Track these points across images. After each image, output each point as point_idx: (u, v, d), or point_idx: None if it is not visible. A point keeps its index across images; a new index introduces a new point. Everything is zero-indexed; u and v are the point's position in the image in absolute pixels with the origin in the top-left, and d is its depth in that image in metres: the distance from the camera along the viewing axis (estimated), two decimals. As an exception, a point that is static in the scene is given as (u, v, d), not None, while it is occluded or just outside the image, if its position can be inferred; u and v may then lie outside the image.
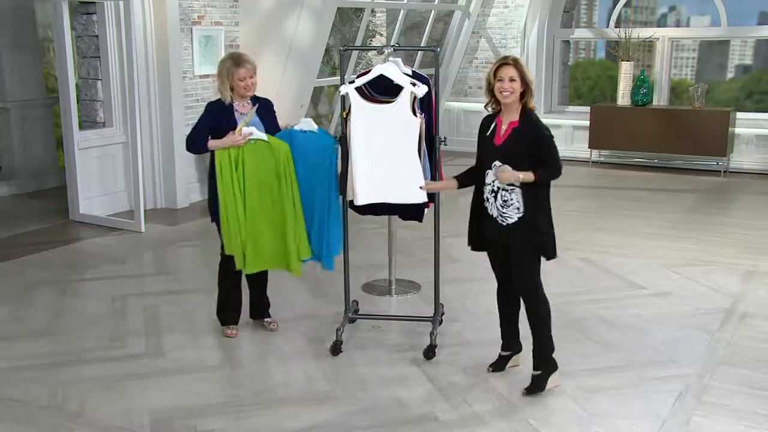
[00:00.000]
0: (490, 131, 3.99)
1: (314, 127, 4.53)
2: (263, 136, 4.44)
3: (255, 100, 4.62)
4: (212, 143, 4.43)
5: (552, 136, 3.96)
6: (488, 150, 3.97)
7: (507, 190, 3.90)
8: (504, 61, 3.91)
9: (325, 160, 4.48)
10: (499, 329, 4.32)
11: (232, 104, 4.55)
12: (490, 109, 4.04)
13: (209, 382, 4.22)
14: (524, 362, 4.27)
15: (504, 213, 3.93)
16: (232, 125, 4.45)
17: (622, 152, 10.64)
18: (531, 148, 3.87)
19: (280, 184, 4.45)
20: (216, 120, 4.51)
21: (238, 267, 4.56)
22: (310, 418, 3.82)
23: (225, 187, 4.41)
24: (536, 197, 3.91)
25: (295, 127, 4.55)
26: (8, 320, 5.12)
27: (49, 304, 5.40)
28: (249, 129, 4.41)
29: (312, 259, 4.63)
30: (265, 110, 4.60)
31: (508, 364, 4.30)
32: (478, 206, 4.08)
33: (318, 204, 4.52)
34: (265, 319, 4.91)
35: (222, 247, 4.64)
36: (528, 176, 3.84)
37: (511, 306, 4.23)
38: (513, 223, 3.92)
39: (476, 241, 4.17)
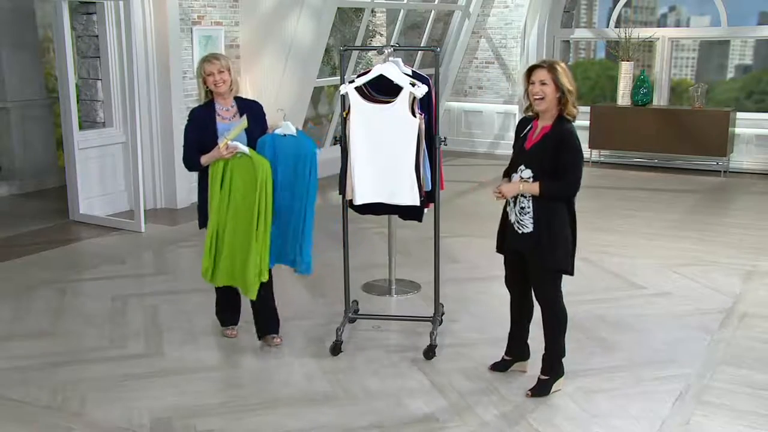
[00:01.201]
0: (524, 133, 3.92)
1: (293, 130, 4.42)
2: (245, 150, 4.31)
3: (241, 103, 4.54)
4: (203, 159, 4.37)
5: (580, 151, 3.78)
6: (518, 153, 3.91)
7: (525, 197, 3.82)
8: (538, 64, 3.80)
9: (305, 168, 4.37)
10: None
11: (213, 106, 4.47)
12: (531, 112, 3.94)
13: (209, 382, 4.23)
14: (531, 369, 4.23)
15: (521, 220, 3.87)
16: (212, 127, 4.41)
17: (622, 152, 10.64)
18: (555, 153, 3.74)
19: (254, 203, 4.29)
20: (198, 125, 4.45)
21: (203, 276, 4.50)
22: (310, 418, 3.82)
23: (213, 200, 4.37)
24: (547, 209, 3.80)
25: (277, 132, 4.44)
26: (8, 320, 5.12)
27: (49, 304, 5.40)
28: (234, 143, 4.28)
29: (286, 263, 4.53)
30: (250, 115, 4.45)
31: (512, 368, 4.28)
32: (503, 210, 4.04)
33: (296, 211, 4.41)
34: (271, 335, 4.68)
35: None
36: (531, 188, 3.76)
37: (525, 318, 4.20)
38: (528, 233, 3.85)
39: (500, 245, 4.11)
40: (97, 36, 7.93)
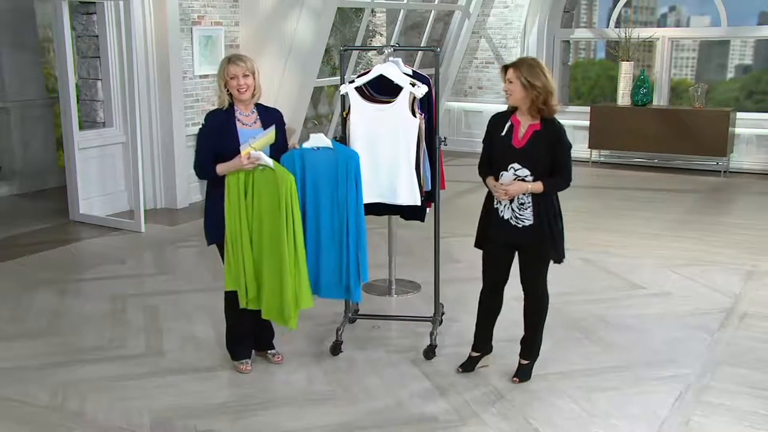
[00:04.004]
0: (505, 131, 3.98)
1: (327, 142, 4.08)
2: (269, 162, 3.92)
3: (261, 109, 4.18)
4: (220, 168, 3.98)
5: (570, 146, 3.97)
6: (506, 151, 3.95)
7: (525, 194, 3.92)
8: (508, 63, 3.95)
9: (350, 180, 4.07)
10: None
11: (233, 110, 4.10)
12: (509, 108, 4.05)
13: (209, 382, 4.22)
14: (492, 362, 4.33)
15: (520, 215, 3.95)
16: (232, 133, 4.03)
17: (622, 152, 10.64)
18: (551, 151, 3.89)
19: (282, 221, 3.94)
20: (215, 131, 4.07)
21: (242, 304, 4.12)
22: (310, 418, 3.82)
23: (231, 215, 3.99)
24: (545, 202, 3.94)
25: (305, 145, 4.09)
26: (8, 320, 5.12)
27: (49, 304, 5.40)
28: (257, 153, 3.89)
29: (338, 296, 4.27)
30: (272, 125, 4.10)
31: (478, 365, 4.31)
32: (489, 207, 4.08)
33: (345, 231, 4.10)
34: (269, 351, 4.48)
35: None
36: (537, 187, 3.88)
37: (495, 310, 4.27)
38: (529, 226, 3.94)
39: (482, 242, 4.17)
40: (97, 36, 7.93)
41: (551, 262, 4.06)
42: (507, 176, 3.93)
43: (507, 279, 4.16)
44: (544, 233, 3.94)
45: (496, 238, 4.06)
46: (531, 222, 3.94)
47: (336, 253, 4.16)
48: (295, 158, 4.09)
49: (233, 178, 3.98)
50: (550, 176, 3.91)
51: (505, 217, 3.98)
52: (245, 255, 4.04)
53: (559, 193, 4.03)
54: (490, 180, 4.01)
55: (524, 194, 3.91)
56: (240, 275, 4.07)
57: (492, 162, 4.02)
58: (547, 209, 3.94)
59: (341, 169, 4.09)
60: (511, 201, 3.95)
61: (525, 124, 3.93)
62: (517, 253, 4.08)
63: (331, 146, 4.10)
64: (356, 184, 4.10)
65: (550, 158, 3.89)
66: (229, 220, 4.02)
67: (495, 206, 4.03)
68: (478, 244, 4.20)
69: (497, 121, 4.05)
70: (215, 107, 4.21)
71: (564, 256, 4.08)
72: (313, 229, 4.14)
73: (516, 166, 3.91)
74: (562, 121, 4.02)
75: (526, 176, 3.90)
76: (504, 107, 4.11)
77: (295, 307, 4.04)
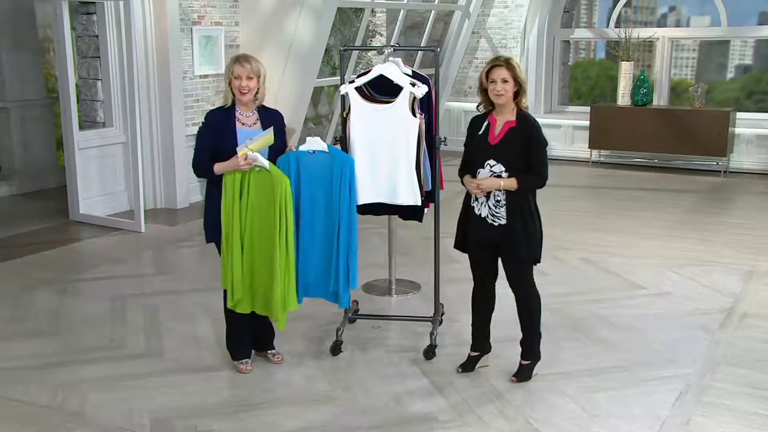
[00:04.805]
0: (482, 130, 4.00)
1: (323, 145, 4.08)
2: (265, 163, 3.95)
3: (262, 111, 4.19)
4: (218, 167, 4.00)
5: (546, 143, 3.99)
6: (482, 148, 3.98)
7: (500, 190, 3.93)
8: (496, 63, 3.92)
9: (344, 185, 4.07)
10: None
11: (233, 109, 4.12)
12: (482, 108, 4.07)
13: (209, 382, 4.22)
14: (492, 362, 4.33)
15: (496, 213, 3.96)
16: (231, 133, 4.06)
17: (622, 152, 10.64)
18: (525, 147, 3.90)
19: (275, 223, 3.97)
20: (214, 130, 4.09)
21: (228, 304, 4.16)
22: (310, 418, 3.82)
23: (227, 215, 4.02)
24: (519, 201, 3.93)
25: (301, 148, 4.11)
26: (8, 320, 5.12)
27: (49, 304, 5.40)
28: (254, 154, 3.91)
29: (326, 298, 4.24)
30: (272, 127, 4.10)
31: (478, 365, 4.31)
32: (467, 207, 4.10)
33: (336, 235, 4.10)
34: (269, 351, 4.49)
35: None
36: (510, 183, 3.89)
37: (488, 307, 4.27)
38: (503, 225, 3.95)
39: (461, 243, 4.19)
40: (97, 36, 7.93)
41: (535, 261, 4.06)
42: (483, 173, 3.96)
43: (496, 275, 4.17)
44: (517, 232, 3.93)
45: (474, 238, 4.08)
46: (504, 221, 3.95)
47: (326, 257, 4.17)
48: (290, 160, 4.11)
49: (230, 178, 4.00)
50: (525, 173, 3.92)
51: (482, 215, 4.00)
52: (234, 257, 4.06)
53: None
54: (466, 177, 4.05)
55: (499, 191, 3.92)
56: (228, 276, 4.10)
57: (472, 162, 4.03)
58: (522, 208, 3.93)
59: (336, 173, 4.10)
60: (488, 198, 3.95)
61: (501, 122, 3.96)
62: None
63: (326, 150, 4.11)
64: (350, 190, 4.12)
65: (524, 155, 3.90)
66: (225, 220, 4.05)
67: (472, 204, 4.05)
68: (457, 246, 4.21)
69: (476, 122, 4.07)
70: (216, 106, 4.24)
71: (539, 258, 4.06)
72: (307, 232, 4.15)
73: (491, 162, 3.93)
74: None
75: (501, 172, 3.92)
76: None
77: (282, 309, 4.07)
